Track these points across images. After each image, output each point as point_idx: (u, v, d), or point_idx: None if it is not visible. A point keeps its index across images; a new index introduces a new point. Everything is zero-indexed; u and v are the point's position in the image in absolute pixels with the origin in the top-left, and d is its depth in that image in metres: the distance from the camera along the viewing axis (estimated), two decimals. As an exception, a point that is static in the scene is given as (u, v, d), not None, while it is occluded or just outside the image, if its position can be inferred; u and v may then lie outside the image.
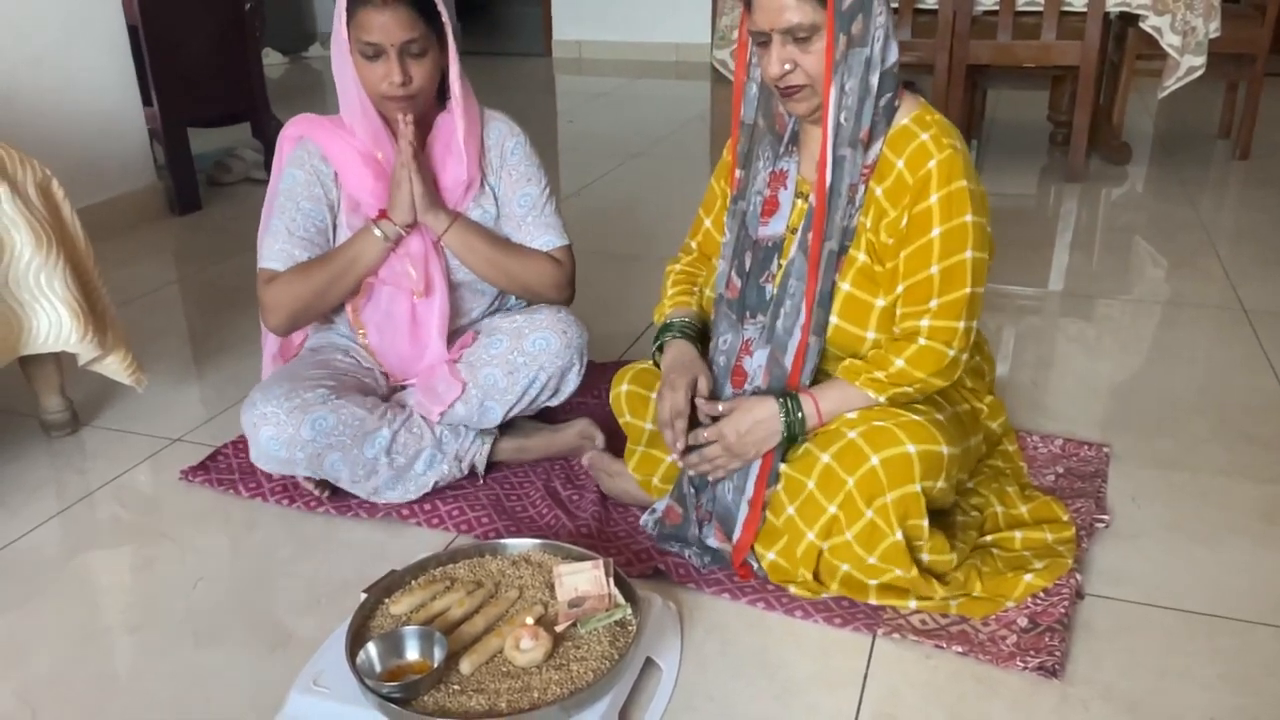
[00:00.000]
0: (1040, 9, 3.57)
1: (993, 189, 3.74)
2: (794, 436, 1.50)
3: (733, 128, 1.59)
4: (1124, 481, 1.85)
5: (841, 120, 1.43)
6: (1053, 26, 3.55)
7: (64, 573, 1.67)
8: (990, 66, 3.86)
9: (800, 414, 1.49)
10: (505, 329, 1.81)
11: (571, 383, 1.83)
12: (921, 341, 1.46)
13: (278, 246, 1.76)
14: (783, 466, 1.52)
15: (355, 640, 1.31)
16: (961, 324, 1.46)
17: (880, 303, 1.49)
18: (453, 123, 1.77)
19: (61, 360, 2.03)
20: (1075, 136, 3.74)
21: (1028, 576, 1.52)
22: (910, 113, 1.48)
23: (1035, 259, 3.06)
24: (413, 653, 1.30)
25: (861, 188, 1.48)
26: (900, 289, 1.47)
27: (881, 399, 1.48)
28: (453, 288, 1.83)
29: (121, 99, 3.35)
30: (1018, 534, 1.62)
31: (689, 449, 1.55)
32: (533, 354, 1.78)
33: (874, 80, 1.43)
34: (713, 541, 1.57)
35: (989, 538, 1.62)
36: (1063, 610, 1.48)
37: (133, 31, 3.32)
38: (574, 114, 5.37)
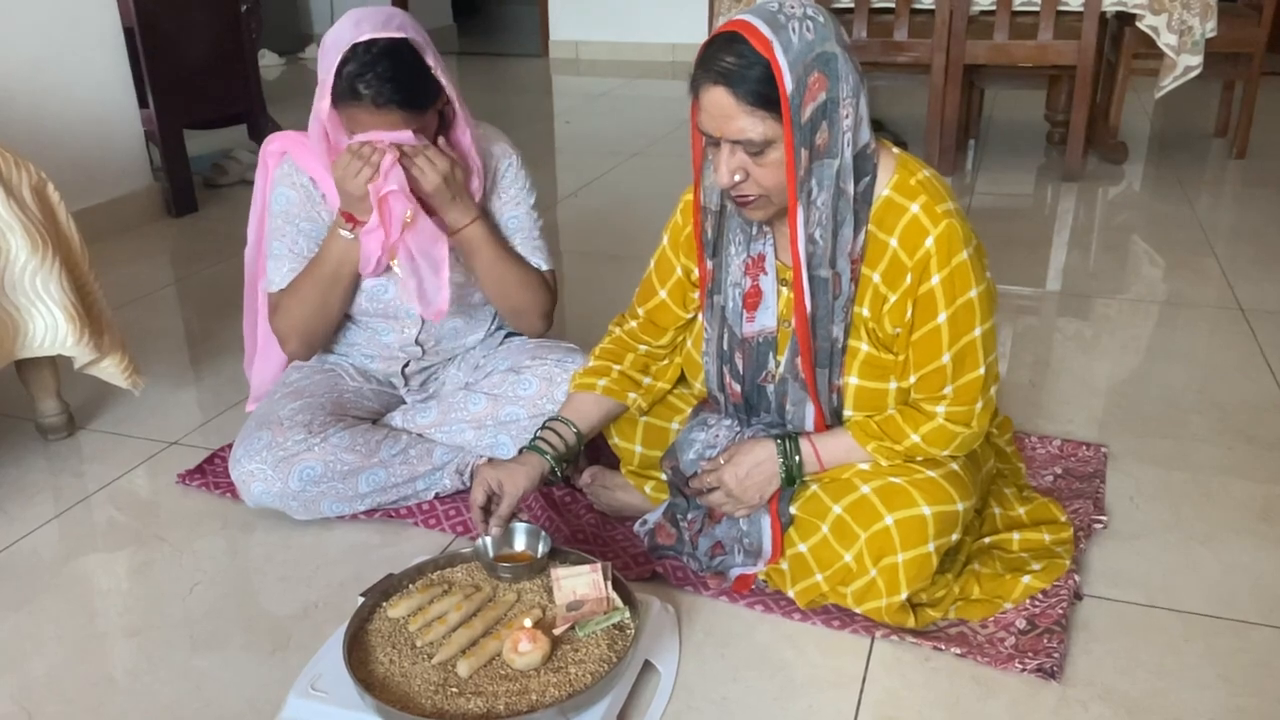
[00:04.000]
0: (1037, 8, 3.58)
1: (990, 188, 3.76)
2: (792, 479, 1.46)
3: (694, 212, 1.47)
4: (1122, 482, 1.85)
5: (817, 237, 1.31)
6: (1049, 26, 3.55)
7: (61, 576, 1.66)
8: (987, 66, 3.86)
9: (799, 457, 1.44)
10: (537, 372, 1.78)
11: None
12: (939, 421, 1.40)
13: (286, 269, 1.75)
14: (792, 509, 1.48)
15: (353, 644, 1.31)
16: (979, 404, 1.39)
17: (894, 385, 1.42)
18: (458, 152, 1.70)
19: (58, 363, 2.03)
20: (1072, 136, 3.74)
21: (1026, 578, 1.52)
22: (890, 179, 1.35)
23: (1032, 259, 3.06)
24: (520, 544, 1.47)
25: (854, 287, 1.37)
26: (913, 379, 1.40)
27: (884, 463, 1.43)
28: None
29: (118, 101, 3.35)
30: (1015, 535, 1.62)
31: (697, 490, 1.52)
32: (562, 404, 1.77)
33: (848, 185, 1.29)
34: (711, 583, 1.56)
35: (987, 539, 1.62)
36: (1061, 611, 1.48)
37: (129, 33, 3.32)
38: (571, 114, 5.37)
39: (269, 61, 6.39)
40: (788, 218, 1.31)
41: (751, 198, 1.32)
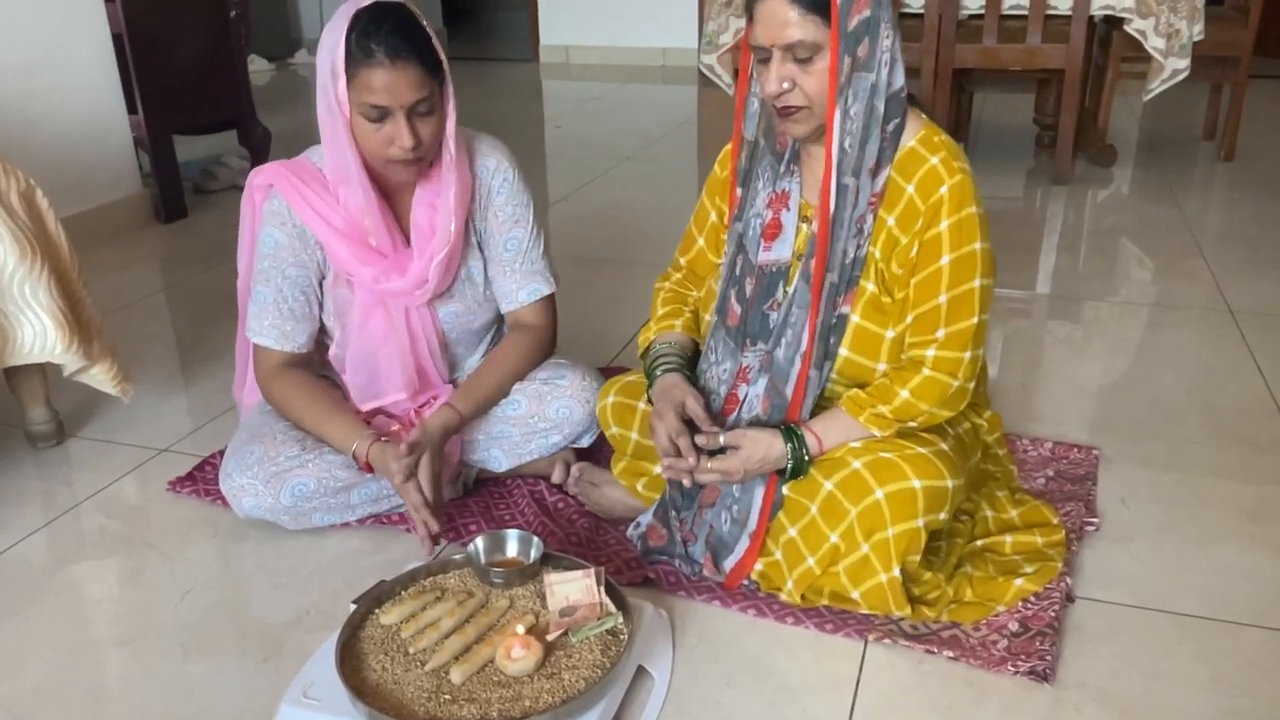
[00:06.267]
0: (1025, 12, 3.59)
1: (980, 191, 3.76)
2: (800, 470, 1.47)
3: (733, 143, 1.55)
4: (1114, 484, 1.85)
5: (845, 146, 1.38)
6: (1038, 30, 3.57)
7: (51, 584, 1.65)
8: (976, 70, 3.87)
9: (806, 454, 1.46)
10: (525, 391, 1.77)
11: (584, 443, 1.83)
12: (926, 372, 1.43)
13: (268, 321, 1.70)
14: (785, 490, 1.50)
15: (345, 652, 1.31)
16: (967, 354, 1.43)
17: (890, 334, 1.46)
18: (439, 176, 1.65)
19: (47, 371, 2.02)
20: (1061, 139, 3.75)
21: (1018, 581, 1.52)
22: (916, 133, 1.44)
23: (1022, 261, 3.07)
24: (511, 550, 1.46)
25: (870, 217, 1.43)
26: (909, 319, 1.44)
27: (879, 434, 1.45)
28: (445, 346, 1.81)
29: (107, 107, 3.34)
30: (1008, 538, 1.62)
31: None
32: (555, 421, 1.77)
33: (879, 105, 1.37)
34: (705, 571, 1.56)
35: (979, 542, 1.62)
36: (1054, 614, 1.48)
37: (118, 39, 3.31)
38: (562, 119, 5.37)
39: (258, 67, 6.37)
40: (826, 122, 1.37)
41: (795, 108, 1.39)
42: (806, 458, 1.46)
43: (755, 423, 1.51)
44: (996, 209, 3.55)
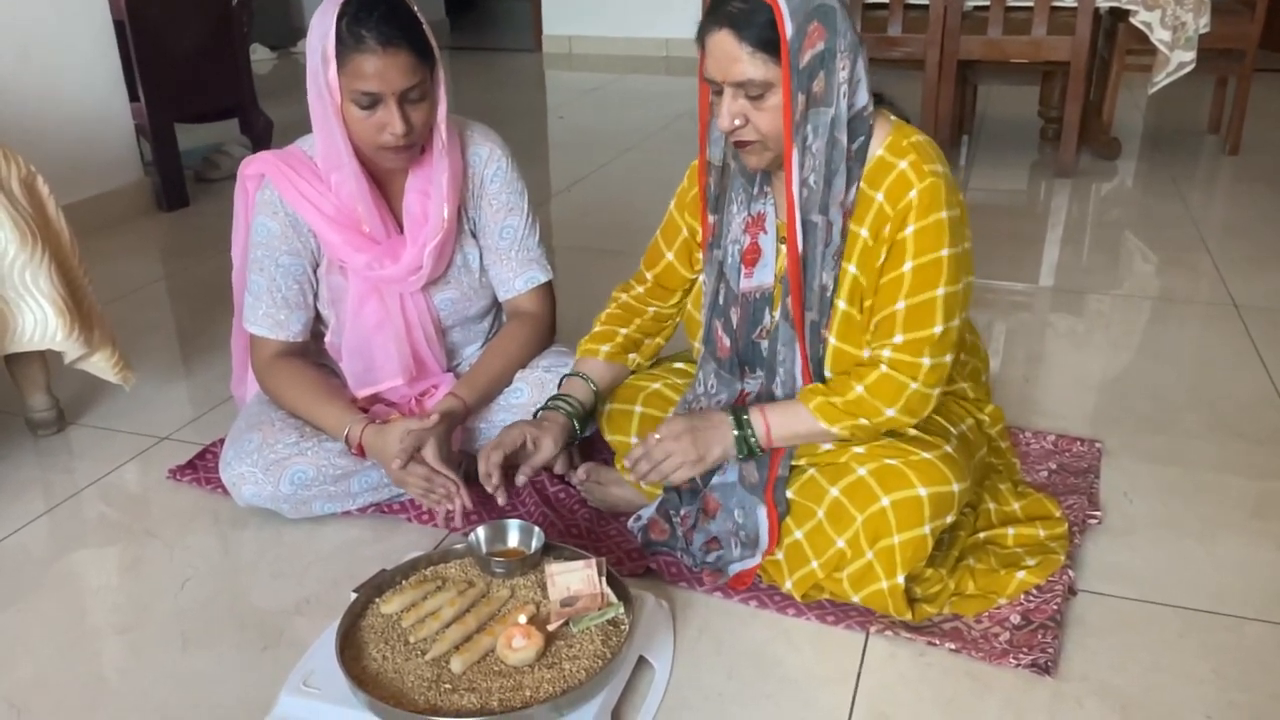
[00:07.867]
0: (1031, 4, 3.57)
1: (983, 184, 3.76)
2: (753, 451, 1.46)
3: (699, 167, 1.53)
4: (1116, 477, 1.85)
5: (811, 183, 1.35)
6: (1043, 22, 3.55)
7: (51, 573, 1.65)
8: (981, 62, 3.86)
9: (752, 432, 1.44)
10: (528, 379, 1.77)
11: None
12: (882, 369, 1.40)
13: (262, 310, 1.70)
14: (789, 494, 1.49)
15: (345, 640, 1.30)
16: (926, 361, 1.39)
17: (867, 354, 1.43)
18: (431, 162, 1.65)
19: (47, 358, 2.02)
20: (1065, 132, 3.74)
21: (1020, 573, 1.52)
22: (884, 140, 1.39)
23: (1026, 254, 3.06)
24: (513, 540, 1.45)
25: (841, 242, 1.40)
26: (874, 322, 1.42)
27: (833, 430, 1.42)
28: (444, 332, 1.81)
29: (108, 95, 3.33)
30: (1010, 530, 1.62)
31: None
32: None
33: (842, 136, 1.33)
34: (705, 579, 1.55)
35: (982, 535, 1.62)
36: (1055, 607, 1.48)
37: (119, 27, 3.30)
38: (564, 109, 5.36)
39: (260, 55, 6.36)
40: (776, 152, 1.35)
41: (749, 142, 1.36)
42: (752, 433, 1.44)
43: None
44: (999, 202, 3.55)
